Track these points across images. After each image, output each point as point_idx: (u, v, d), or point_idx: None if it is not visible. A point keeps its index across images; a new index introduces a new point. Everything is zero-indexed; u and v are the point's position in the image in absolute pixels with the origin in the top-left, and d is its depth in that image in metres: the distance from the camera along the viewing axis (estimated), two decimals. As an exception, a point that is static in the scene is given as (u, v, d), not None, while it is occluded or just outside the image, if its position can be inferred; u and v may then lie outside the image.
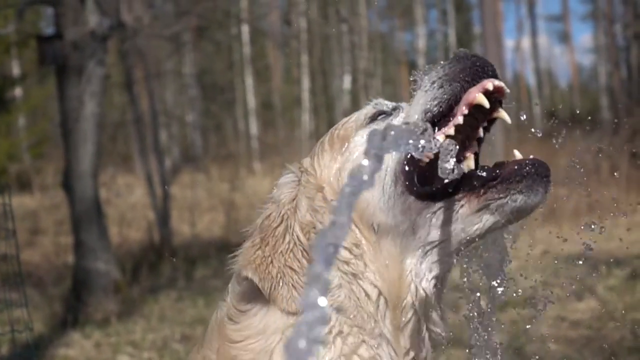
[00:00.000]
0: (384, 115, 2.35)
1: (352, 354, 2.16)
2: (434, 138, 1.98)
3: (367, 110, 2.39)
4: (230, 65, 38.97)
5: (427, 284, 2.18)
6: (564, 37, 52.57)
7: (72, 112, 10.99)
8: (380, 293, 2.17)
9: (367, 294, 2.17)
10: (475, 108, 2.16)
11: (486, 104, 2.14)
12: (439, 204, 2.14)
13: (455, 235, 2.15)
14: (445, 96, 2.17)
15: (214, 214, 18.67)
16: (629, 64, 32.34)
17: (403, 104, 2.35)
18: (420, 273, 2.17)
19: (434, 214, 2.15)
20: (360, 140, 2.30)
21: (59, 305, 10.96)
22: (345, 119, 2.42)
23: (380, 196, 2.18)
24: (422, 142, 1.86)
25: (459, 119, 2.15)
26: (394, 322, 2.18)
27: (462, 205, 2.14)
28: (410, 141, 1.83)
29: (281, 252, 2.26)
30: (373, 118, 2.36)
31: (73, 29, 10.91)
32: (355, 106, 22.03)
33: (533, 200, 2.12)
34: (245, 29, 35.99)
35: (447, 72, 2.20)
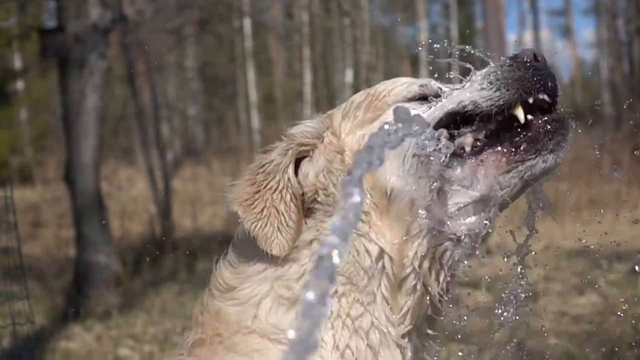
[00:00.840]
0: (422, 100, 2.31)
1: (347, 316, 2.14)
2: (451, 158, 2.01)
3: (413, 89, 2.33)
4: (232, 59, 38.91)
5: (435, 241, 2.15)
6: (566, 32, 52.47)
7: (74, 105, 10.99)
8: (382, 250, 2.14)
9: (367, 250, 2.14)
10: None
11: (522, 119, 2.14)
12: (468, 160, 2.12)
13: (482, 194, 2.12)
14: (500, 102, 2.14)
15: (215, 207, 18.64)
16: (631, 58, 32.30)
17: (448, 89, 2.30)
18: (432, 230, 2.13)
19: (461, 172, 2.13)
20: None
21: (60, 298, 10.97)
22: (390, 85, 2.36)
23: (400, 165, 2.15)
24: (440, 157, 1.92)
25: (492, 125, 2.16)
26: (394, 278, 2.15)
27: (490, 164, 2.12)
28: (427, 145, 1.87)
29: (269, 189, 2.22)
30: (412, 99, 2.32)
31: (75, 21, 10.91)
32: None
33: (561, 157, 2.13)
34: (247, 22, 35.91)
35: (505, 77, 2.16)
